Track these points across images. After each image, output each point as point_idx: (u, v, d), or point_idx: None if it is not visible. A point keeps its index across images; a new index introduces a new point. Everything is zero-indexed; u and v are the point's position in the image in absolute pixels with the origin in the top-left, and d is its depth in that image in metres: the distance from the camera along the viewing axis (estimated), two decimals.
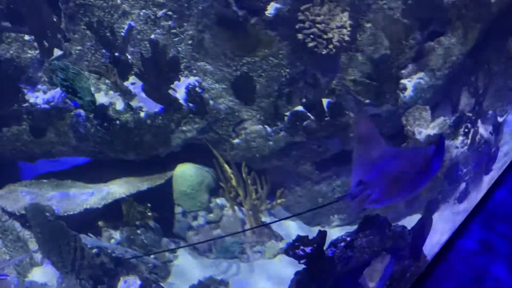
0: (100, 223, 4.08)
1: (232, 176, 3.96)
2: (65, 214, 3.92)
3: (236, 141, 4.09)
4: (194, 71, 4.04)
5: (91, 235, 3.85)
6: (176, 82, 4.04)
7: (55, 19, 4.27)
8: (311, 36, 3.59)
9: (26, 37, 4.21)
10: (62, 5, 4.10)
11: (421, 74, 3.85)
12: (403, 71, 3.75)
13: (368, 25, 3.75)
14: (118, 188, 4.12)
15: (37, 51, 4.16)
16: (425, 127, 3.83)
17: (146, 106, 4.08)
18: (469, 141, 4.00)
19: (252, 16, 3.74)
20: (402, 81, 3.75)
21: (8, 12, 4.29)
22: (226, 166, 4.03)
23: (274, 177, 4.06)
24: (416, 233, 3.00)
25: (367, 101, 3.76)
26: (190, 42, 3.94)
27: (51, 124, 4.17)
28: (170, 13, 3.94)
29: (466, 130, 3.90)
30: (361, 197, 2.31)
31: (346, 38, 3.58)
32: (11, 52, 4.15)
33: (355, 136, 2.58)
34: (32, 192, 4.32)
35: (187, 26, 3.93)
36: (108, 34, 4.09)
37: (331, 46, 3.56)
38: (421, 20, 3.73)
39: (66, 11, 4.12)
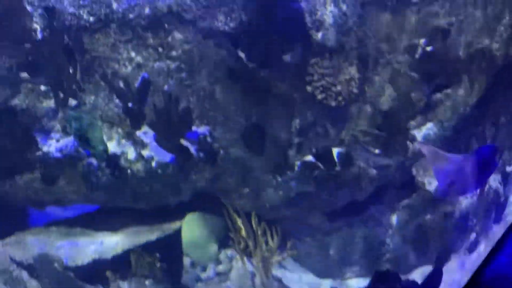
0: (109, 273, 4.05)
1: (242, 226, 3.95)
2: (74, 264, 3.91)
3: (245, 190, 4.11)
4: (205, 121, 4.13)
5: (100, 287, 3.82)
6: (187, 132, 4.15)
7: (71, 70, 4.46)
8: (320, 88, 3.68)
9: (42, 88, 4.37)
10: (78, 57, 4.25)
11: (429, 125, 3.90)
12: (412, 122, 3.81)
13: (376, 77, 3.83)
14: (127, 238, 4.11)
15: (52, 101, 4.30)
16: (434, 177, 3.85)
17: (158, 155, 4.15)
18: (478, 191, 4.01)
19: (262, 68, 3.86)
20: (411, 132, 3.82)
21: (27, 63, 4.50)
22: (235, 216, 4.04)
23: (284, 227, 4.04)
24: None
25: (377, 151, 3.82)
26: (201, 93, 4.04)
27: (63, 172, 4.23)
28: (183, 65, 4.07)
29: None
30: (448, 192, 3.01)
31: (355, 90, 3.67)
32: (27, 102, 4.28)
33: (426, 158, 3.17)
34: (41, 241, 4.32)
35: (199, 78, 4.04)
36: (122, 85, 4.24)
37: (340, 98, 3.65)
38: (427, 73, 3.82)
39: (82, 62, 4.28)
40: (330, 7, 3.72)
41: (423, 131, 3.90)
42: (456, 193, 3.29)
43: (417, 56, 3.79)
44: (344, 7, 3.70)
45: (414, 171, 3.83)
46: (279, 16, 3.72)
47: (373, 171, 3.98)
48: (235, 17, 3.93)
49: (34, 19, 4.27)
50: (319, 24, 3.68)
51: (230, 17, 3.94)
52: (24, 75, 4.48)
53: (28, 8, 4.28)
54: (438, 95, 3.91)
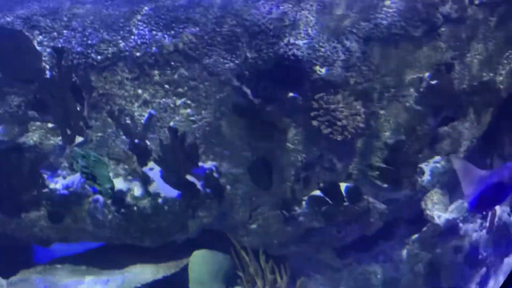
0: None
1: (249, 263, 3.88)
2: None
3: (253, 226, 4.05)
4: (211, 156, 4.13)
5: None
6: (193, 168, 4.15)
7: (78, 108, 4.51)
8: (326, 123, 3.69)
9: (50, 125, 4.41)
10: (86, 95, 4.31)
11: (437, 158, 3.87)
12: (419, 155, 3.80)
13: (382, 112, 3.83)
14: (133, 277, 4.04)
15: (60, 138, 4.33)
16: (443, 211, 3.81)
17: (164, 191, 4.13)
18: (487, 223, 3.95)
19: (268, 104, 3.90)
20: (419, 165, 3.80)
21: (35, 101, 4.56)
22: (243, 253, 3.97)
23: (293, 264, 3.97)
24: None
25: (385, 185, 3.79)
26: (207, 128, 4.06)
27: (69, 209, 4.21)
28: (189, 101, 4.11)
29: (484, 212, 3.87)
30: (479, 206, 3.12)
31: (361, 125, 3.67)
32: (34, 139, 4.31)
33: (458, 171, 3.18)
34: (46, 280, 4.25)
35: (205, 114, 4.08)
36: (128, 122, 4.26)
37: (346, 133, 3.65)
38: (433, 107, 3.82)
39: (89, 100, 4.33)
40: (334, 43, 3.77)
41: (431, 164, 3.88)
42: (486, 208, 3.39)
43: (422, 89, 3.79)
44: (347, 43, 3.75)
45: (422, 204, 3.79)
46: (283, 52, 3.82)
47: (382, 206, 3.94)
48: (240, 54, 4.02)
49: (43, 58, 4.40)
50: (323, 60, 3.72)
51: (235, 54, 4.00)
52: (33, 112, 4.56)
53: (38, 48, 4.41)
54: (445, 128, 3.90)
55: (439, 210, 3.79)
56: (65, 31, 4.35)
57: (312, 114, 3.79)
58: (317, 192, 3.92)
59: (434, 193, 3.74)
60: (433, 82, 3.70)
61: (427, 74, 3.79)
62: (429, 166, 3.88)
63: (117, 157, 4.22)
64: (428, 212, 3.73)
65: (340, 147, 3.87)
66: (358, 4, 3.82)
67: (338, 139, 3.70)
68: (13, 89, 4.43)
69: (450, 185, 4.03)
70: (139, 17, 4.20)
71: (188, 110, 4.19)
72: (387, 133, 3.89)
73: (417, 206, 3.90)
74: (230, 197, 4.06)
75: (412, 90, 3.78)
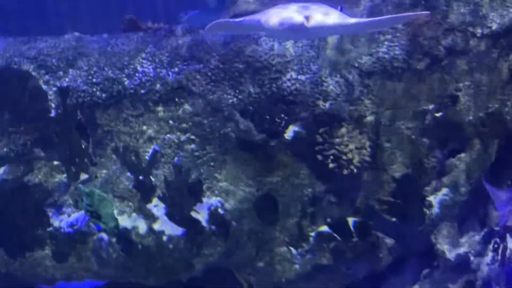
0: None
1: None
2: None
3: (260, 264, 3.97)
4: (216, 191, 4.09)
5: None
6: (198, 204, 4.10)
7: (83, 145, 4.53)
8: (332, 157, 3.66)
9: (55, 163, 4.41)
10: (91, 132, 4.33)
11: (445, 191, 3.81)
12: (427, 188, 3.74)
13: (388, 145, 3.80)
14: None
15: (65, 175, 4.33)
16: (454, 245, 3.71)
17: (169, 229, 4.07)
18: (499, 257, 3.85)
19: (272, 139, 3.87)
20: (427, 198, 3.74)
21: (40, 140, 4.58)
22: None
23: None
24: None
25: (394, 220, 3.72)
26: (212, 164, 4.04)
27: (73, 248, 4.15)
28: (193, 137, 4.11)
29: (496, 245, 3.78)
30: None
31: (367, 158, 3.63)
32: (39, 177, 4.31)
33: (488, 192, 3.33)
34: None
35: (209, 149, 4.06)
36: (133, 158, 4.25)
37: (352, 167, 3.60)
38: (439, 139, 3.79)
39: (94, 137, 4.34)
40: (336, 78, 3.79)
41: (439, 196, 3.81)
42: None
43: (427, 122, 3.78)
44: (350, 77, 3.76)
45: (432, 238, 3.71)
46: (286, 87, 3.83)
47: (391, 241, 3.87)
48: (243, 90, 4.02)
49: (49, 97, 4.46)
50: (326, 95, 3.73)
51: (238, 89, 4.01)
52: (38, 150, 4.59)
53: (44, 87, 4.48)
54: (452, 160, 3.86)
55: (449, 244, 3.70)
56: (70, 70, 4.41)
57: (317, 148, 3.76)
58: (325, 228, 3.85)
59: (444, 226, 3.67)
60: (438, 114, 3.70)
61: (432, 106, 3.78)
62: (438, 199, 3.82)
63: (122, 195, 4.21)
64: (438, 246, 3.65)
65: (347, 181, 3.83)
66: (359, 38, 3.85)
67: (344, 173, 3.68)
68: (19, 128, 4.52)
69: (459, 218, 3.97)
70: (143, 55, 4.26)
71: (192, 146, 4.19)
72: (394, 166, 3.86)
73: (427, 240, 3.83)
74: (236, 233, 3.99)
75: (417, 122, 3.76)
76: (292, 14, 2.94)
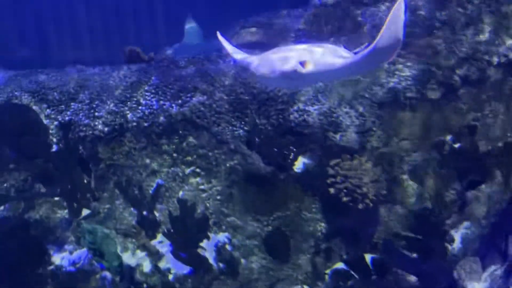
0: None
1: None
2: None
3: None
4: (223, 227, 3.92)
5: None
6: (205, 241, 3.94)
7: (85, 180, 4.39)
8: (345, 190, 3.48)
9: (56, 198, 4.27)
10: (93, 166, 4.21)
11: (466, 224, 3.62)
12: (447, 221, 3.55)
13: (404, 177, 3.64)
14: None
15: (66, 211, 4.18)
16: (477, 280, 3.50)
17: (175, 267, 3.89)
18: None
19: (280, 171, 3.72)
20: (449, 232, 3.53)
21: (41, 175, 4.46)
22: None
23: None
24: None
25: (414, 255, 3.52)
26: (218, 197, 3.88)
27: (75, 287, 4.01)
28: (198, 170, 3.97)
29: None
30: None
31: (383, 191, 3.47)
32: (40, 213, 4.17)
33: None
34: None
35: (215, 182, 3.91)
36: (136, 193, 4.11)
37: (367, 201, 3.42)
38: (458, 170, 3.63)
39: (96, 172, 4.21)
40: (346, 109, 3.66)
41: (461, 230, 3.62)
42: None
43: (445, 153, 3.62)
44: (360, 108, 3.62)
45: (455, 275, 3.50)
46: (294, 119, 3.70)
47: (413, 278, 3.66)
48: (249, 121, 3.90)
49: (51, 131, 4.34)
50: (336, 126, 3.60)
51: (244, 121, 3.90)
52: (39, 186, 4.46)
53: (45, 121, 4.38)
54: (472, 192, 3.70)
55: (473, 280, 3.49)
56: (72, 104, 4.32)
57: (328, 181, 3.60)
58: (341, 265, 3.66)
59: (466, 261, 3.47)
60: (456, 145, 3.55)
61: (449, 137, 3.63)
62: (459, 233, 3.63)
63: (125, 231, 4.05)
64: (461, 282, 3.44)
65: (362, 216, 3.65)
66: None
67: (360, 207, 3.50)
68: (20, 164, 4.40)
69: (481, 252, 3.77)
70: (146, 87, 4.16)
71: (198, 179, 4.04)
72: (412, 200, 3.68)
73: (450, 276, 3.62)
74: (245, 271, 3.80)
75: (434, 153, 3.61)
76: (286, 59, 2.63)
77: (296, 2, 5.53)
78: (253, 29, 3.94)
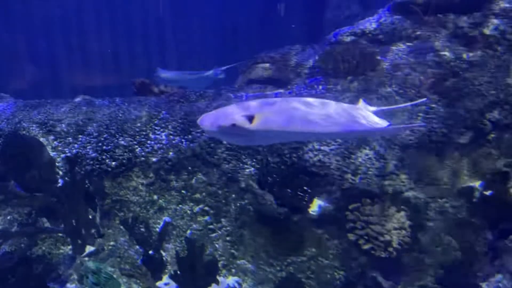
0: None
1: None
2: None
3: None
4: (233, 270, 3.68)
5: None
6: (214, 285, 3.70)
7: (90, 216, 4.23)
8: (365, 237, 3.23)
9: (60, 234, 4.11)
10: (99, 201, 4.04)
11: (498, 277, 3.31)
12: (478, 274, 3.25)
13: (430, 224, 3.36)
14: None
15: (70, 247, 4.01)
16: None
17: None
18: None
19: (295, 213, 3.50)
20: (479, 285, 3.24)
21: (46, 210, 4.32)
22: None
23: None
24: None
25: None
26: (228, 238, 3.67)
27: None
28: (207, 208, 3.77)
29: None
30: None
31: (407, 239, 3.20)
32: (43, 248, 4.00)
33: None
34: None
35: (225, 222, 3.71)
36: (142, 230, 3.91)
37: (390, 249, 3.17)
38: (490, 219, 3.35)
39: (102, 207, 4.05)
40: (366, 150, 3.44)
41: (493, 284, 3.31)
42: None
43: (475, 200, 3.36)
44: (381, 150, 3.40)
45: None
46: (308, 158, 3.49)
47: None
48: (261, 159, 3.70)
49: (57, 164, 4.21)
50: (354, 168, 3.38)
51: (255, 158, 3.70)
52: (43, 221, 4.31)
53: (52, 153, 4.26)
54: (504, 242, 3.37)
55: None
56: (80, 136, 4.20)
57: (348, 226, 3.36)
58: None
59: None
60: (487, 192, 3.28)
61: (479, 183, 3.37)
62: (491, 287, 3.35)
63: (130, 272, 3.84)
64: None
65: (385, 264, 3.37)
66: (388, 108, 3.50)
67: (382, 256, 3.23)
68: (24, 197, 4.27)
69: None
70: (156, 121, 4.02)
71: (206, 218, 3.83)
72: (439, 249, 3.39)
73: None
74: None
75: (463, 200, 3.34)
76: (232, 112, 2.32)
77: (310, 38, 5.47)
78: (267, 65, 3.80)
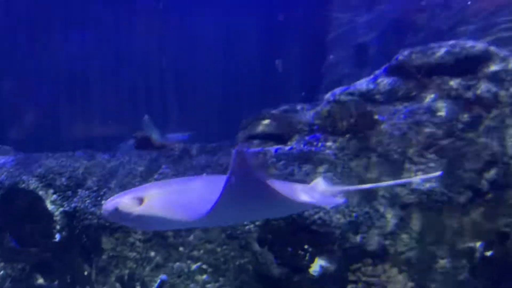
0: None
1: None
2: None
3: None
4: None
5: None
6: None
7: (86, 272, 4.14)
8: None
9: None
10: (95, 257, 3.97)
11: None
12: None
13: (432, 285, 3.26)
14: None
15: None
16: None
17: None
18: None
19: (295, 273, 3.43)
20: None
21: (41, 265, 4.23)
22: None
23: None
24: None
25: None
26: None
27: None
28: (205, 266, 3.69)
29: None
30: None
31: None
32: None
33: None
34: None
35: (223, 281, 3.60)
36: None
37: None
38: (492, 281, 3.25)
39: (98, 263, 3.97)
40: (366, 209, 3.40)
41: None
42: None
43: (476, 260, 3.30)
44: (381, 208, 3.36)
45: None
46: (309, 216, 3.48)
47: None
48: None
49: (55, 218, 4.18)
50: (355, 227, 3.32)
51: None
52: (37, 277, 4.21)
53: (50, 207, 4.24)
54: None
55: None
56: (79, 190, 4.19)
57: (349, 287, 3.32)
58: None
59: None
60: (488, 253, 3.26)
61: (479, 243, 3.32)
62: None
63: None
64: None
65: None
66: (387, 167, 3.49)
67: None
68: (20, 251, 4.21)
69: None
70: (156, 176, 4.02)
71: (204, 276, 3.74)
72: None
73: None
74: None
75: (465, 261, 3.28)
76: (124, 195, 2.19)
77: (308, 95, 5.64)
78: (267, 121, 3.89)
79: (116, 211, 2.15)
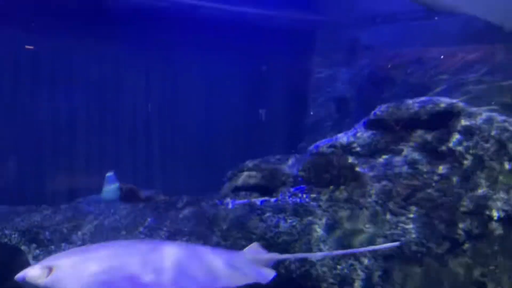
0: None
1: None
2: None
3: None
4: None
5: None
6: None
7: None
8: None
9: None
10: None
11: None
12: None
13: None
14: None
15: None
16: None
17: None
18: None
19: None
20: None
21: None
22: None
23: None
24: None
25: None
26: None
27: None
28: None
29: None
30: None
31: None
32: None
33: None
34: None
35: None
36: None
37: None
38: None
39: None
40: (350, 261, 3.43)
41: None
42: None
43: None
44: (365, 260, 3.41)
45: None
46: (295, 269, 3.47)
47: None
48: None
49: None
50: (341, 279, 3.34)
51: None
52: None
53: (32, 262, 4.14)
54: None
55: None
56: (63, 244, 4.15)
57: None
58: None
59: None
60: None
61: None
62: None
63: None
64: None
65: None
66: (369, 219, 3.59)
67: None
68: None
69: None
70: (141, 229, 4.02)
71: None
72: None
73: None
74: None
75: None
76: (38, 264, 2.21)
77: (291, 146, 5.77)
78: (253, 173, 3.97)
79: (25, 281, 2.15)
